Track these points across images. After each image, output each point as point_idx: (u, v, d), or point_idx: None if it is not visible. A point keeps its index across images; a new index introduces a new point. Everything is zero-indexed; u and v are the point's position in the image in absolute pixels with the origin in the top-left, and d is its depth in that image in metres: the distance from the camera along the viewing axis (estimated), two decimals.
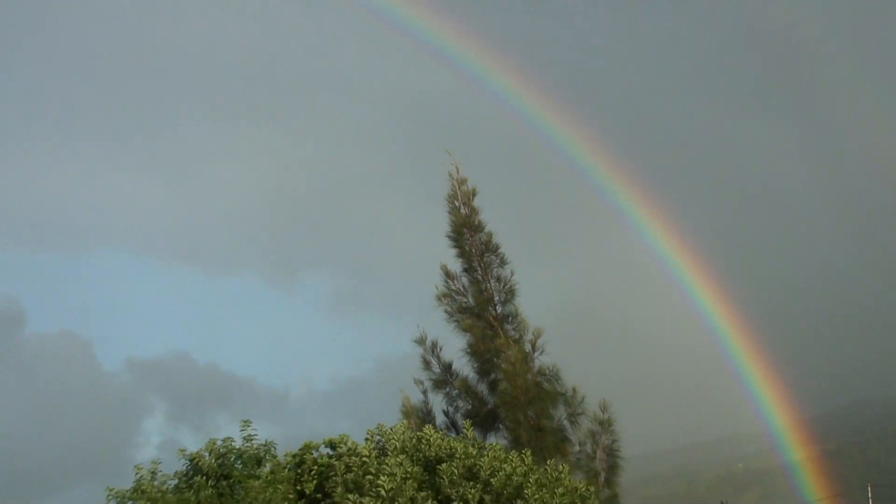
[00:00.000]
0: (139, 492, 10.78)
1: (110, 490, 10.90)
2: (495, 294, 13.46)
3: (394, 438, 11.19)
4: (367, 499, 10.11)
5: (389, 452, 10.91)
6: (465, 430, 11.41)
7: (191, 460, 11.17)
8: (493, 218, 13.61)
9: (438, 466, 10.61)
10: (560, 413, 12.92)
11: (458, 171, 13.79)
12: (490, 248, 13.53)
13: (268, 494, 10.66)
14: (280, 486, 10.85)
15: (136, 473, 11.04)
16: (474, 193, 13.73)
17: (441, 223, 13.84)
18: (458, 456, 10.64)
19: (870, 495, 79.86)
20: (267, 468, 11.29)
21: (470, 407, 13.46)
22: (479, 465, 10.53)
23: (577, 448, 12.82)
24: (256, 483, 10.82)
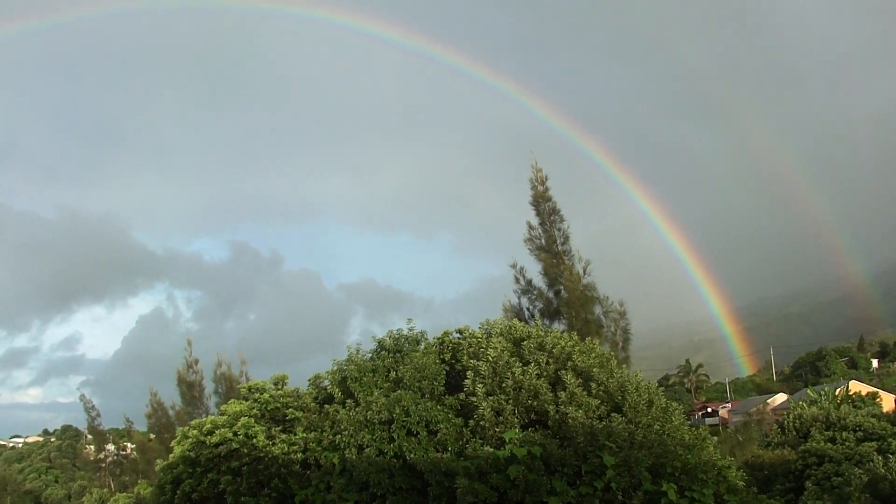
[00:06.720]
0: (349, 360, 13.97)
1: (334, 360, 14.31)
2: (558, 238, 17.52)
3: (495, 326, 13.83)
4: (481, 362, 12.49)
5: (493, 335, 13.34)
6: (536, 322, 15.28)
7: (378, 342, 14.26)
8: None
9: (522, 343, 12.96)
10: (598, 310, 17.07)
11: (536, 163, 17.94)
12: (555, 210, 17.64)
13: (424, 360, 13.16)
14: (431, 356, 13.38)
15: (348, 350, 14.23)
16: (546, 177, 17.84)
17: (519, 198, 18.38)
18: (533, 336, 13.03)
19: (772, 354, 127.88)
20: (422, 346, 14.06)
21: (542, 307, 17.62)
22: (546, 342, 12.80)
23: (607, 330, 16.89)
24: (416, 354, 13.49)
